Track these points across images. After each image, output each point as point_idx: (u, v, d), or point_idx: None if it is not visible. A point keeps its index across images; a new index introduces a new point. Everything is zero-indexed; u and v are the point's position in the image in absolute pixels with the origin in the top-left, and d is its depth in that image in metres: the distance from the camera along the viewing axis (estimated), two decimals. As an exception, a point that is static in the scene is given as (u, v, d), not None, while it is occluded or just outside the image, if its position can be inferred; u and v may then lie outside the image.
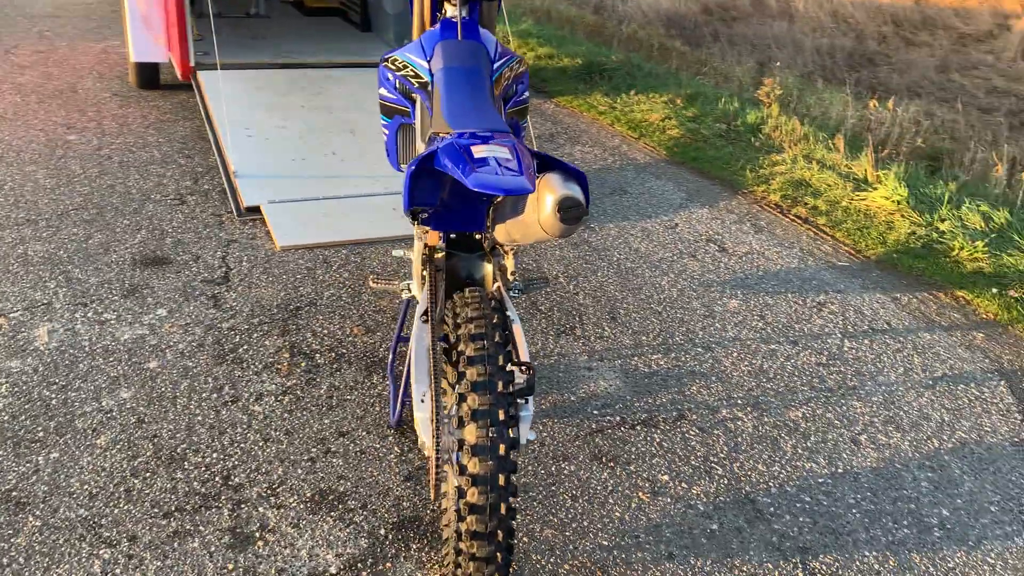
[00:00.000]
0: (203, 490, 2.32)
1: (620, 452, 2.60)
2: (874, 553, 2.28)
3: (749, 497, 2.45)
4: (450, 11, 2.50)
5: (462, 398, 1.74)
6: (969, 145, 6.37)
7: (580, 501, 2.39)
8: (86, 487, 2.30)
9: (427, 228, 2.15)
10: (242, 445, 2.51)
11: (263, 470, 2.41)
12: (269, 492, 2.33)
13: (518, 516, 2.31)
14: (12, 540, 2.11)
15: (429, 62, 2.36)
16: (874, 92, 8.63)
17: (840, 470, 2.60)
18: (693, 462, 2.58)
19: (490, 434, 1.70)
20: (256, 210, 4.04)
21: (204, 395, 2.72)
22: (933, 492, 2.53)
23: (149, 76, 6.00)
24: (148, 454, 2.44)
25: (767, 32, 11.85)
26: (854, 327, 3.43)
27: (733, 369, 3.08)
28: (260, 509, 2.27)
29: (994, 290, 3.78)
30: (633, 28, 10.56)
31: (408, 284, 2.42)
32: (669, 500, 2.42)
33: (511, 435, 1.73)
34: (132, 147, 4.87)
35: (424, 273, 2.26)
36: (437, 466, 1.86)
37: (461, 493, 1.71)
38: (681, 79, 7.25)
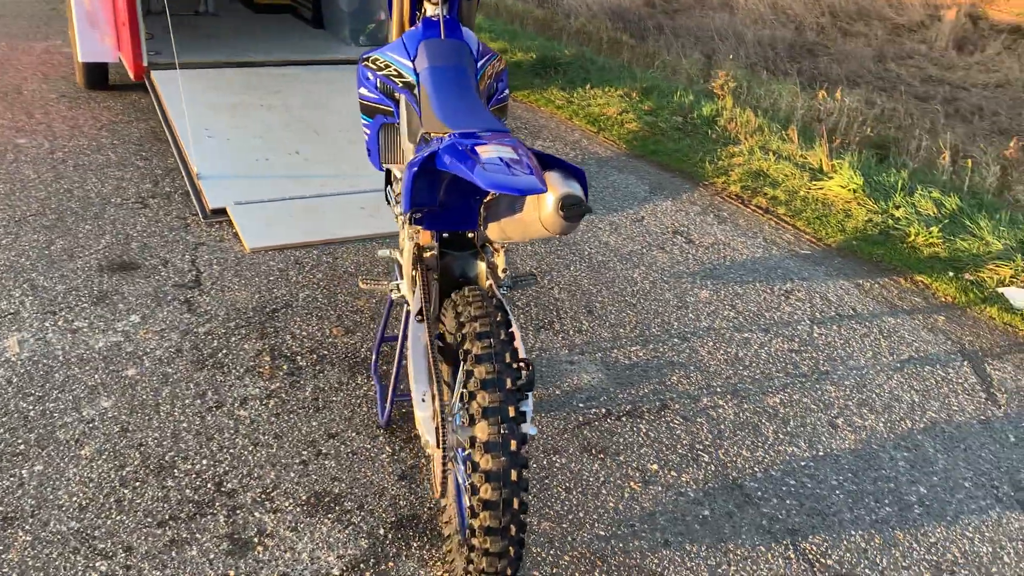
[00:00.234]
0: (196, 497, 2.30)
1: (608, 443, 2.64)
2: (860, 532, 2.36)
3: (737, 482, 2.52)
4: (430, 10, 2.50)
5: (471, 396, 1.75)
6: (914, 133, 6.58)
7: (574, 493, 2.42)
8: (75, 499, 2.26)
9: (419, 228, 2.15)
10: (231, 450, 2.48)
11: (255, 475, 2.40)
12: (264, 497, 2.32)
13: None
14: (3, 556, 2.06)
15: (413, 61, 2.36)
16: (815, 82, 8.84)
17: (821, 453, 2.68)
18: (680, 450, 2.64)
19: (501, 431, 1.72)
20: (222, 212, 3.98)
21: (187, 401, 2.69)
22: (910, 471, 2.63)
23: (97, 77, 5.85)
24: (136, 463, 2.40)
25: (709, 24, 12.02)
26: (821, 313, 3.53)
27: (710, 358, 3.14)
28: (256, 514, 2.26)
29: (951, 274, 3.92)
30: (582, 22, 10.63)
31: (397, 284, 2.42)
32: (660, 488, 2.47)
33: (521, 431, 1.75)
34: (86, 150, 4.76)
35: (414, 273, 2.26)
36: (443, 463, 1.88)
37: (474, 490, 1.73)
38: (635, 73, 7.33)
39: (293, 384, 2.81)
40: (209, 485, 2.34)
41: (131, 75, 5.33)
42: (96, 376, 2.77)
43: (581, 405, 2.82)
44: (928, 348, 3.32)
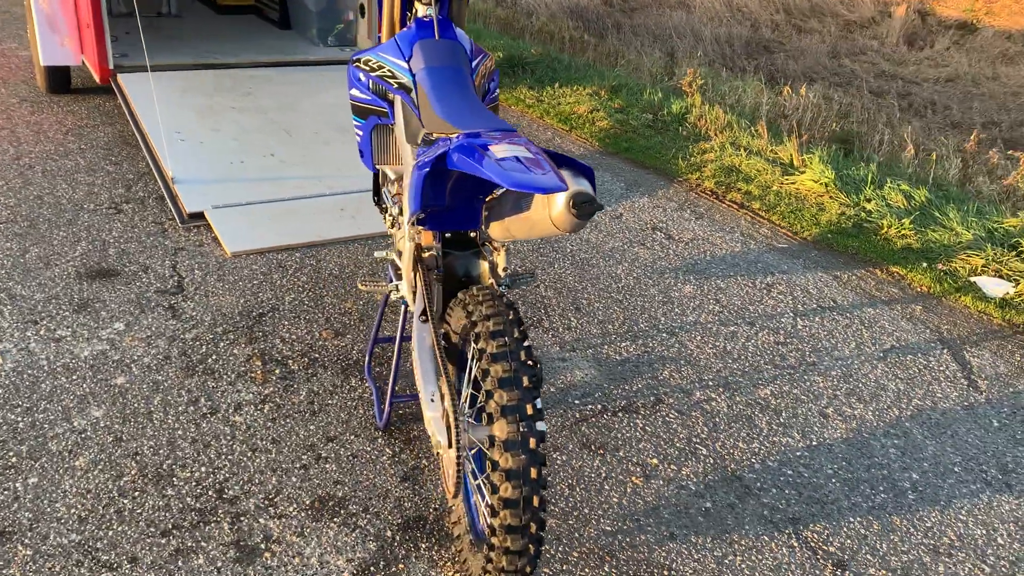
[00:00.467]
0: (198, 505, 2.26)
1: (607, 439, 2.66)
2: (858, 519, 2.41)
3: (735, 474, 2.55)
4: (421, 10, 2.49)
5: (488, 394, 1.75)
6: (876, 128, 6.71)
7: (577, 490, 2.44)
8: (74, 511, 2.21)
9: (420, 228, 2.15)
10: (230, 457, 2.45)
11: (256, 481, 2.37)
12: (267, 502, 2.29)
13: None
14: (5, 572, 2.01)
15: (408, 62, 2.35)
16: (774, 79, 8.98)
17: (814, 443, 2.72)
18: (678, 444, 2.66)
19: (520, 428, 1.72)
20: (200, 216, 3.92)
21: (180, 408, 2.65)
22: (901, 458, 2.69)
23: (60, 80, 5.71)
24: (133, 472, 2.36)
25: (667, 22, 12.14)
26: (803, 306, 3.59)
27: (699, 352, 3.18)
28: (261, 520, 2.23)
29: (924, 264, 4.01)
30: (543, 21, 10.67)
31: (396, 285, 2.41)
32: (661, 482, 2.49)
33: (538, 428, 1.75)
34: (53, 155, 4.65)
35: (415, 274, 2.25)
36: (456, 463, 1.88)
37: (494, 488, 1.73)
38: (602, 72, 7.37)
39: (287, 388, 2.78)
40: (210, 492, 2.31)
41: (96, 78, 5.22)
42: (84, 385, 2.71)
43: (577, 402, 2.83)
44: (908, 337, 3.40)
